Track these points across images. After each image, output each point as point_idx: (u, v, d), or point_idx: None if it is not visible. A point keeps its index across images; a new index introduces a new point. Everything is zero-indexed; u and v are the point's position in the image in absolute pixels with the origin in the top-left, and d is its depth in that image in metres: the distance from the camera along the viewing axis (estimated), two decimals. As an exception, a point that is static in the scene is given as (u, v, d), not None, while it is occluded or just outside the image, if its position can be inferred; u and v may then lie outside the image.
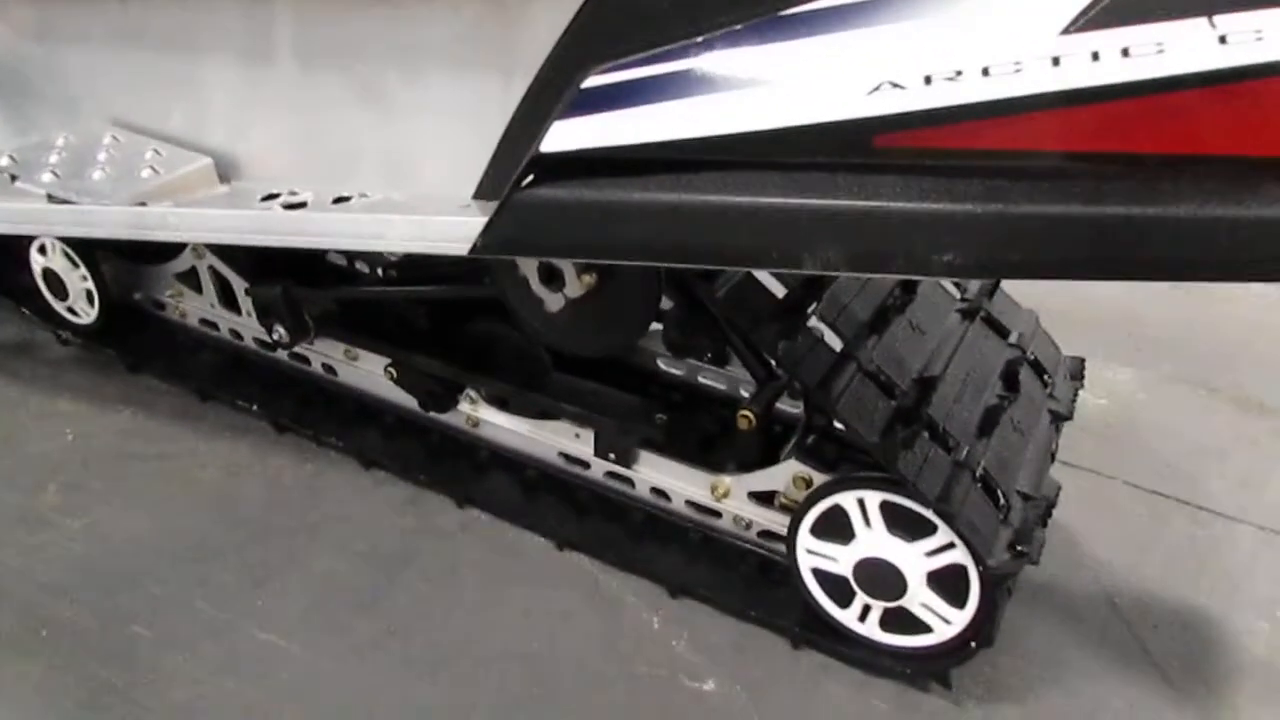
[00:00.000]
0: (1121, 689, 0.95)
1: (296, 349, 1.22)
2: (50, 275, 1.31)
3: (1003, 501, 0.89)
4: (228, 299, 1.27)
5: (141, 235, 0.96)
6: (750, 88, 0.65)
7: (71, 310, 1.35)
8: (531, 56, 0.75)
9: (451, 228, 0.78)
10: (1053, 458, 1.03)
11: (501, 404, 1.13)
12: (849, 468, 0.91)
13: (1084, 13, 0.58)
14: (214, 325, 1.31)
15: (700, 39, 0.65)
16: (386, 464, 1.17)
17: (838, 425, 0.92)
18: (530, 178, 0.71)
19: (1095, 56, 0.57)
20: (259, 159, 1.00)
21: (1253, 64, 0.55)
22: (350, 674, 0.94)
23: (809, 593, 0.95)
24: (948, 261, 0.63)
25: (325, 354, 1.23)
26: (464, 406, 1.15)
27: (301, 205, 0.91)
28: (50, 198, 0.97)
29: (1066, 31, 0.58)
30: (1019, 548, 0.86)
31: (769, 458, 0.98)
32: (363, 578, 1.04)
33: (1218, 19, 0.56)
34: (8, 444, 1.22)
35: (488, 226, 0.75)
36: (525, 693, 0.93)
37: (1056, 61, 0.58)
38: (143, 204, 0.95)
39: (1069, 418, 1.05)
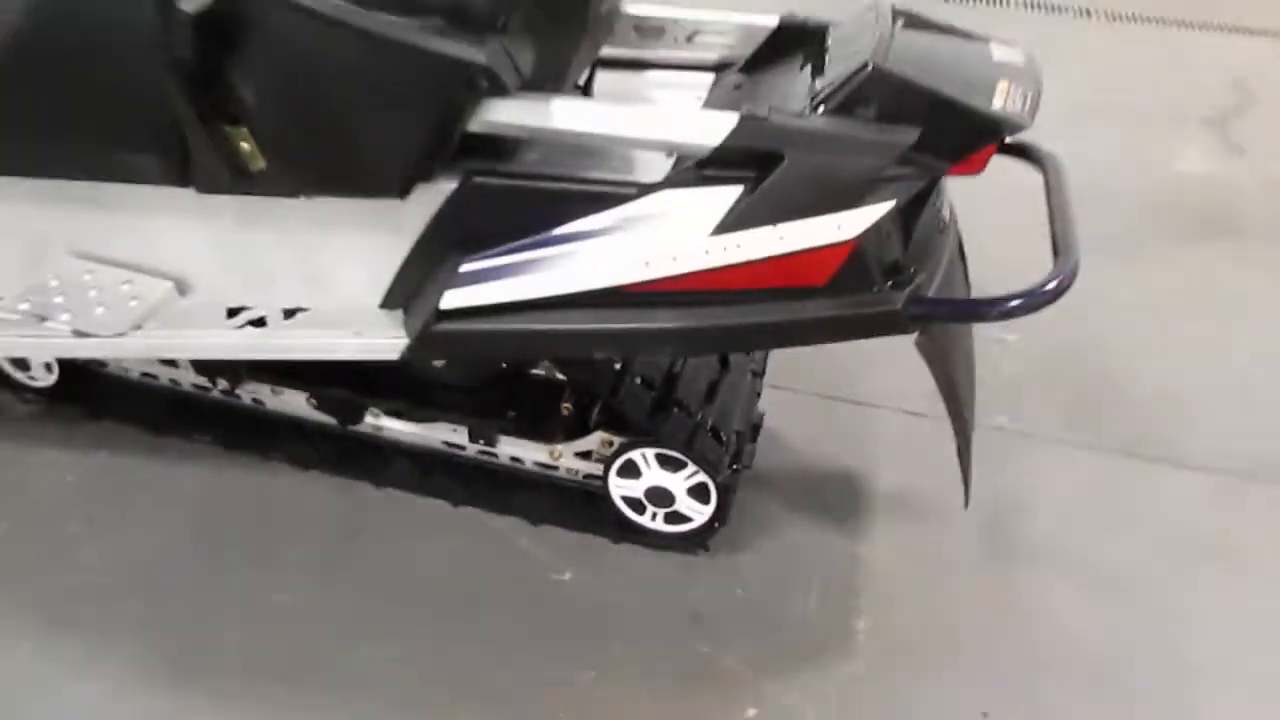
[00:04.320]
0: (807, 531, 1.61)
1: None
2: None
3: (725, 438, 1.50)
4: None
5: (148, 356, 1.39)
6: (553, 268, 1.19)
7: (31, 377, 1.73)
8: (413, 228, 1.25)
9: (386, 346, 1.28)
10: (758, 396, 1.66)
11: (397, 415, 1.64)
12: (633, 435, 1.49)
13: (719, 226, 1.14)
14: (154, 376, 1.73)
15: (524, 243, 1.19)
16: (319, 465, 1.67)
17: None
18: (436, 322, 1.23)
19: (725, 248, 1.15)
20: (208, 280, 1.43)
21: (795, 250, 1.13)
22: (335, 600, 1.47)
23: (619, 510, 1.55)
24: (669, 349, 1.21)
25: (253, 391, 1.69)
26: (369, 418, 1.65)
27: (262, 322, 1.37)
28: (77, 333, 1.38)
29: (713, 234, 1.15)
30: (734, 466, 1.48)
31: (584, 429, 1.55)
32: (327, 544, 1.56)
33: (780, 227, 1.14)
34: (22, 487, 1.63)
35: (410, 347, 1.26)
36: (446, 599, 1.49)
37: (708, 251, 1.15)
38: (138, 328, 1.38)
39: (763, 373, 1.68)
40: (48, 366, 1.70)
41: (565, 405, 1.53)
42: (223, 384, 1.64)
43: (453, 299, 1.22)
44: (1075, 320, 1.96)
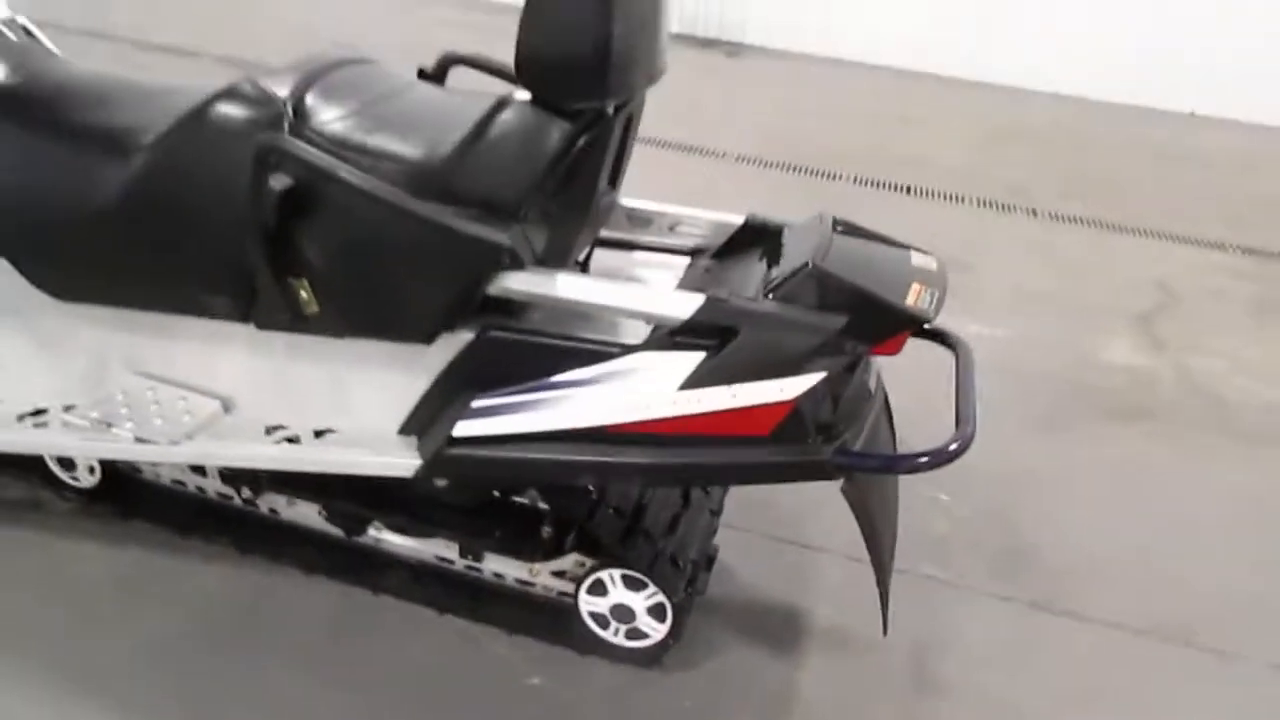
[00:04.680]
0: (750, 655, 1.82)
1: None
2: (65, 458, 1.91)
3: (682, 565, 1.73)
4: (194, 465, 1.92)
5: (198, 462, 1.63)
6: (550, 408, 1.45)
7: (75, 477, 1.95)
8: (432, 369, 1.52)
9: (403, 465, 1.53)
10: (714, 532, 1.90)
11: (398, 529, 1.86)
12: (603, 557, 1.72)
13: (685, 383, 1.41)
14: (182, 483, 1.96)
15: (527, 386, 1.45)
16: (323, 570, 1.88)
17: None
18: (448, 448, 1.49)
19: (689, 401, 1.41)
20: (251, 401, 1.69)
21: (745, 406, 1.40)
22: (325, 691, 1.66)
23: (585, 624, 1.76)
24: (640, 480, 1.47)
25: (270, 502, 1.91)
26: (371, 531, 1.88)
27: (295, 439, 1.62)
28: (138, 440, 1.62)
29: (680, 389, 1.42)
30: (689, 590, 1.71)
31: (560, 550, 1.78)
32: (323, 641, 1.76)
33: (734, 387, 1.41)
34: (58, 574, 1.83)
35: (423, 467, 1.51)
36: (426, 696, 1.68)
37: (675, 402, 1.42)
38: (190, 438, 1.62)
39: (720, 512, 1.92)
40: (91, 469, 1.93)
41: (545, 529, 1.76)
42: (245, 494, 1.87)
43: (464, 428, 1.47)
44: (1002, 486, 2.23)
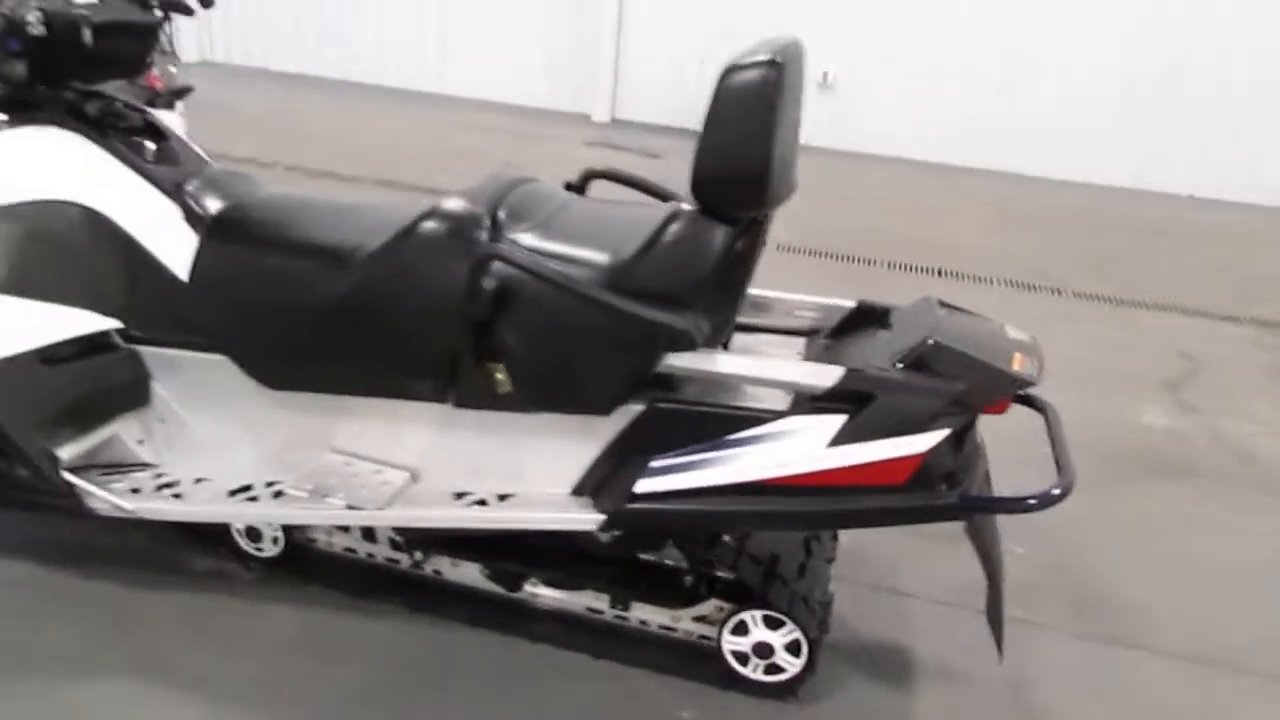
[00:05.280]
0: (869, 688, 2.05)
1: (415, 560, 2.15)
2: (253, 529, 2.16)
3: (813, 605, 1.97)
4: (366, 532, 2.17)
5: (395, 524, 1.87)
6: (715, 467, 1.72)
7: (259, 548, 2.19)
8: (603, 437, 1.79)
9: (587, 520, 1.79)
10: (829, 580, 2.14)
11: (554, 584, 2.10)
12: (746, 600, 1.96)
13: (832, 441, 1.68)
14: (353, 550, 2.20)
15: (694, 448, 1.72)
16: (486, 624, 2.11)
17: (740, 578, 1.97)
18: (628, 503, 1.75)
19: (836, 457, 1.68)
20: (437, 470, 1.94)
21: (883, 459, 1.67)
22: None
23: (728, 661, 1.99)
24: (795, 526, 1.73)
25: (435, 564, 2.15)
26: (528, 586, 2.12)
27: (484, 503, 1.87)
28: (350, 507, 1.87)
29: (828, 446, 1.69)
30: (821, 627, 1.95)
31: (700, 597, 2.02)
32: (496, 690, 1.98)
33: (873, 443, 1.67)
34: (247, 636, 2.05)
35: (606, 521, 1.77)
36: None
37: (823, 458, 1.68)
38: (390, 504, 1.87)
39: (834, 560, 2.17)
40: (275, 539, 2.17)
41: (687, 579, 2.01)
42: (417, 556, 2.11)
43: (644, 486, 1.74)
44: (1068, 540, 2.49)
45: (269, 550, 2.19)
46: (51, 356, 1.92)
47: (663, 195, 2.08)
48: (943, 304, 1.84)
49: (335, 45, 6.98)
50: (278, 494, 1.96)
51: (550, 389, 1.78)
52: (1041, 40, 6.01)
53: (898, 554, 2.45)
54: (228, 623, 2.09)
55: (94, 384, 1.98)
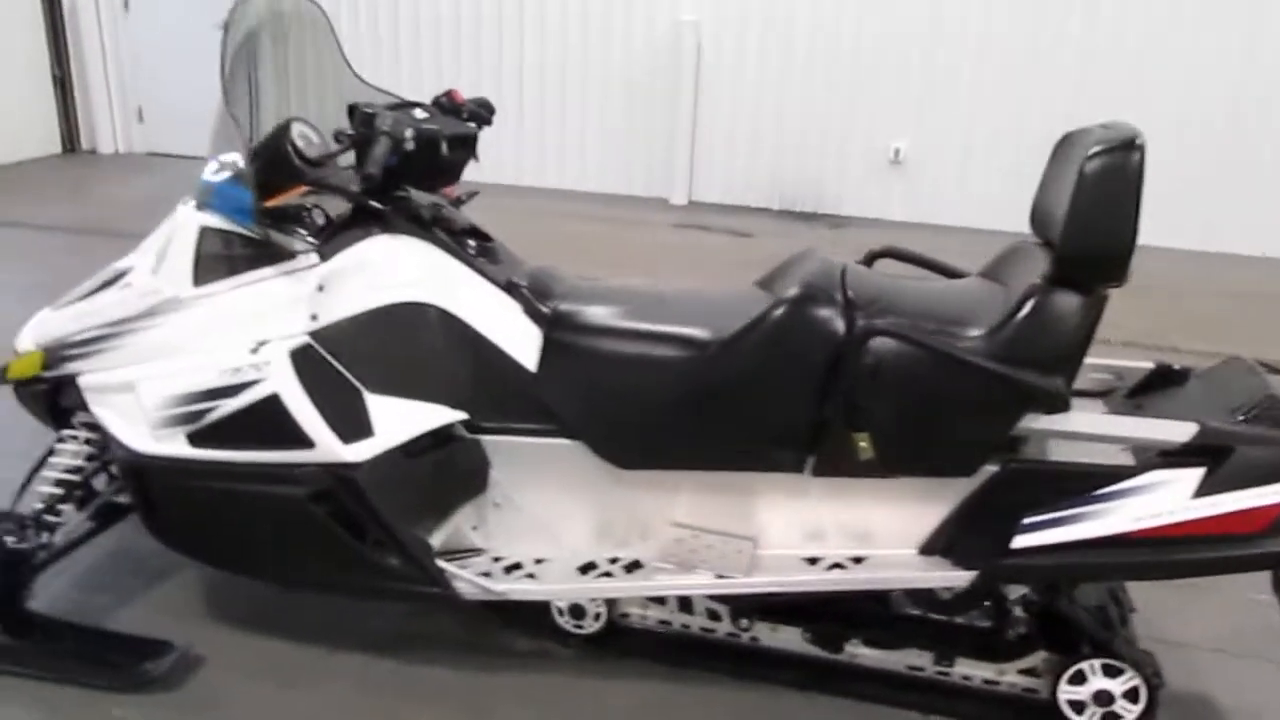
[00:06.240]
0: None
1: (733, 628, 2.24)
2: (576, 607, 2.24)
3: (1148, 652, 2.07)
4: (683, 603, 2.26)
5: (774, 590, 1.98)
6: (1084, 521, 1.84)
7: (579, 625, 2.27)
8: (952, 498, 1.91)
9: (955, 578, 1.90)
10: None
11: (874, 644, 2.19)
12: (1082, 650, 2.05)
13: (1195, 493, 1.81)
14: (668, 622, 2.29)
15: (1065, 504, 1.85)
16: (813, 687, 2.19)
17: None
18: (1003, 558, 1.86)
19: (1201, 508, 1.81)
20: (777, 536, 2.05)
21: (1244, 508, 1.80)
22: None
23: (1063, 711, 2.08)
24: (1160, 575, 1.85)
25: (751, 630, 2.24)
26: (848, 648, 2.21)
27: (841, 566, 1.98)
28: (719, 576, 1.97)
29: (1192, 498, 1.81)
30: (1157, 674, 2.05)
31: (1025, 650, 2.12)
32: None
33: (1235, 493, 1.81)
34: (600, 709, 2.12)
35: (980, 577, 1.88)
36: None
37: (1188, 510, 1.81)
38: (748, 574, 1.97)
39: (1134, 610, 2.28)
40: (597, 616, 2.25)
41: (1012, 633, 2.11)
42: (742, 624, 2.20)
43: (1020, 541, 1.86)
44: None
45: (589, 627, 2.27)
46: (411, 449, 2.03)
47: (952, 273, 2.24)
48: (1263, 363, 1.99)
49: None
50: (629, 568, 2.05)
51: (917, 454, 1.90)
52: (1099, 109, 6.32)
53: (1145, 605, 2.56)
54: (568, 699, 2.15)
55: (447, 474, 2.08)
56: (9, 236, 5.60)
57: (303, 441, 1.92)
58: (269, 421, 1.92)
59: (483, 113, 2.30)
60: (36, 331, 2.23)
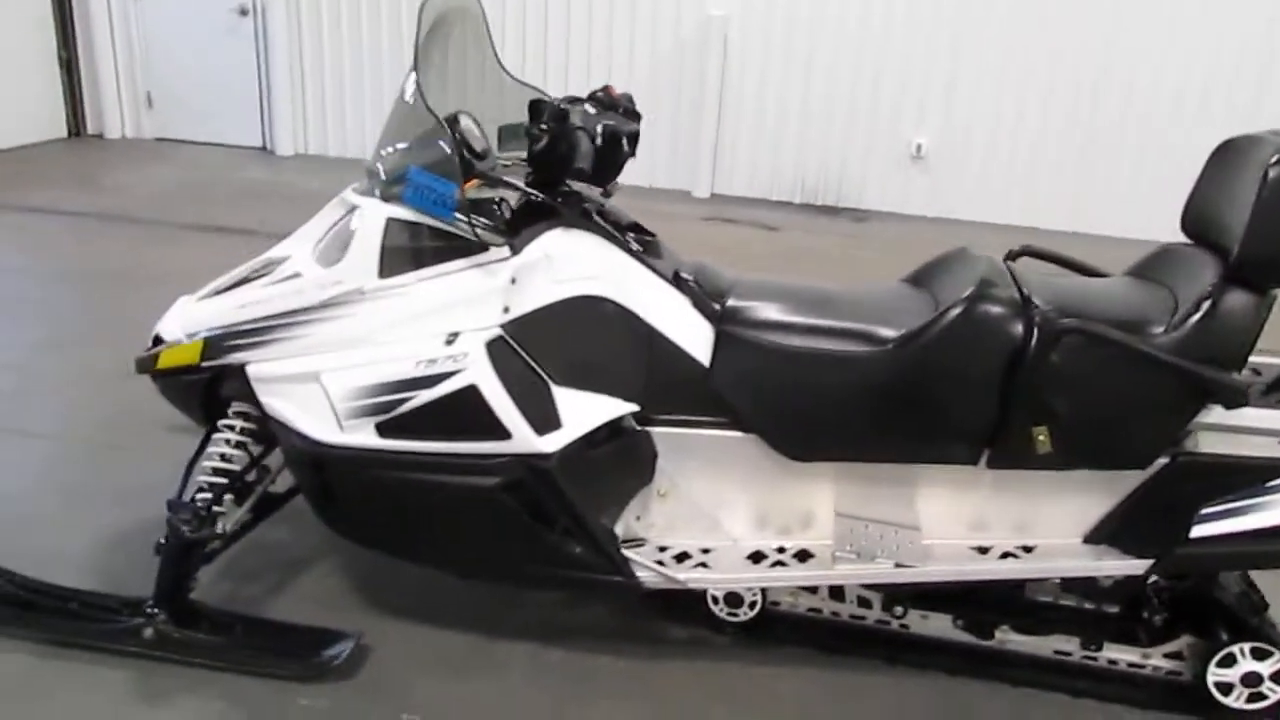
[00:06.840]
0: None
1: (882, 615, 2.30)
2: (732, 596, 2.29)
3: (1286, 637, 2.17)
4: (834, 591, 2.31)
5: (951, 579, 2.04)
6: (1258, 512, 1.93)
7: (733, 613, 2.32)
8: (1121, 489, 1.99)
9: (1131, 566, 1.98)
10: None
11: (1025, 630, 2.27)
12: (1232, 635, 2.14)
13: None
14: (818, 610, 2.34)
15: (1240, 494, 1.94)
16: (964, 672, 2.26)
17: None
18: (1182, 548, 1.94)
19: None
20: (941, 527, 2.12)
21: None
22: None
23: (1212, 692, 2.17)
24: None
25: (902, 618, 2.30)
26: (998, 634, 2.28)
27: (1014, 555, 2.05)
28: (898, 565, 2.03)
29: None
30: (1298, 656, 2.16)
31: (1169, 634, 2.20)
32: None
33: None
34: (773, 694, 2.17)
35: (1157, 565, 1.96)
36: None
37: None
38: (924, 562, 2.04)
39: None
40: (752, 604, 2.30)
41: (1157, 618, 2.20)
42: (896, 611, 2.26)
43: (1199, 531, 1.94)
44: None
45: (743, 615, 2.32)
46: (592, 440, 2.06)
47: (1092, 272, 2.31)
48: None
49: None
50: (800, 557, 2.11)
51: (1097, 447, 1.98)
52: (1115, 109, 6.47)
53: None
54: (740, 686, 2.20)
55: (624, 464, 2.12)
56: (27, 221, 5.45)
57: (499, 432, 1.94)
58: (466, 413, 1.94)
59: (635, 109, 2.32)
60: (184, 321, 2.22)
